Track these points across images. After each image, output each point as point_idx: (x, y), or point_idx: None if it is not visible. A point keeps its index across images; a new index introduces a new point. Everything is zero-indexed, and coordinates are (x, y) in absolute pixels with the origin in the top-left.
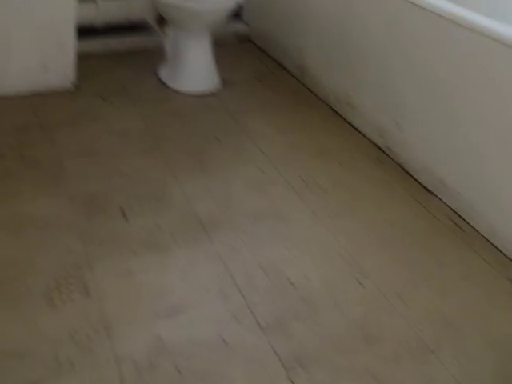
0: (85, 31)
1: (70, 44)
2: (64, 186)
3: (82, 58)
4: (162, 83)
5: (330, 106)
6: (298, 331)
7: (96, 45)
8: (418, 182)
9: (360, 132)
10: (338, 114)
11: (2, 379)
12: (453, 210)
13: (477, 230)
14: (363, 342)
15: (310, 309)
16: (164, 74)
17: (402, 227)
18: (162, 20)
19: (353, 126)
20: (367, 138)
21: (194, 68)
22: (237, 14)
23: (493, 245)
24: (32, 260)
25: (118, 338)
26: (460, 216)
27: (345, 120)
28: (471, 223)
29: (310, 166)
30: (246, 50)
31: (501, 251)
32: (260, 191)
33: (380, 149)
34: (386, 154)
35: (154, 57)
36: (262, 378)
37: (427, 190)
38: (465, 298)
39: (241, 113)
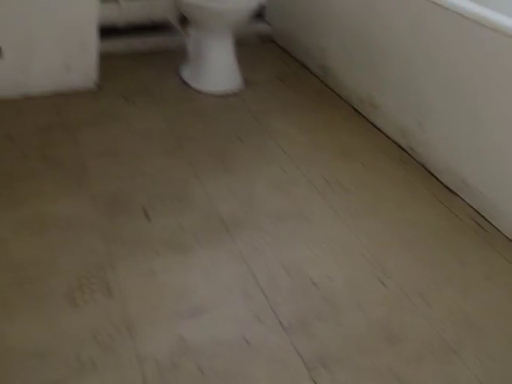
0: (107, 31)
1: (92, 44)
2: (86, 185)
3: (105, 58)
4: (185, 83)
5: (353, 106)
6: (321, 331)
7: (118, 45)
8: (441, 182)
9: (382, 132)
10: (360, 114)
11: (24, 379)
12: (475, 210)
13: (499, 230)
14: (385, 342)
15: (332, 309)
16: (186, 73)
17: (425, 227)
18: (184, 20)
19: (375, 126)
20: (390, 138)
21: (217, 68)
22: (259, 14)
23: None
24: (54, 260)
25: (140, 338)
26: (482, 216)
27: (367, 120)
28: (494, 223)
29: (332, 166)
30: (268, 50)
31: None
32: (282, 191)
33: (402, 149)
34: (409, 154)
35: (176, 57)
36: (284, 378)
37: (449, 189)
38: (487, 297)
39: (263, 113)
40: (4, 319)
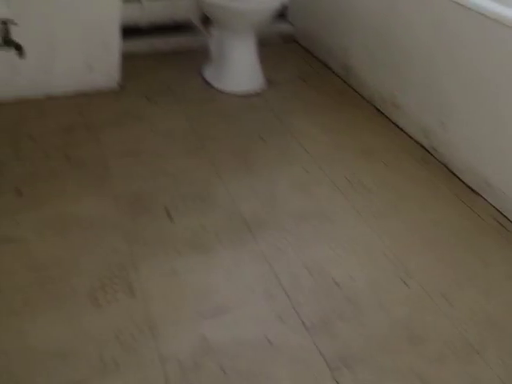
0: (130, 31)
1: (115, 44)
2: (109, 185)
3: (127, 58)
4: (207, 83)
5: (375, 106)
6: (343, 331)
7: (141, 45)
8: (463, 182)
9: (405, 132)
10: (382, 113)
11: (46, 379)
12: (497, 210)
13: None
14: (408, 342)
15: (354, 309)
16: (209, 73)
17: (447, 227)
18: (206, 20)
19: (398, 126)
20: (412, 137)
21: (239, 68)
22: (282, 14)
23: None
24: (77, 260)
25: (162, 338)
26: (505, 216)
27: (389, 120)
28: None
29: (354, 165)
30: (290, 49)
31: None
32: (305, 191)
33: (425, 149)
34: (431, 154)
35: (198, 57)
36: (306, 378)
37: (472, 189)
38: (510, 297)
39: (285, 113)
40: (27, 319)
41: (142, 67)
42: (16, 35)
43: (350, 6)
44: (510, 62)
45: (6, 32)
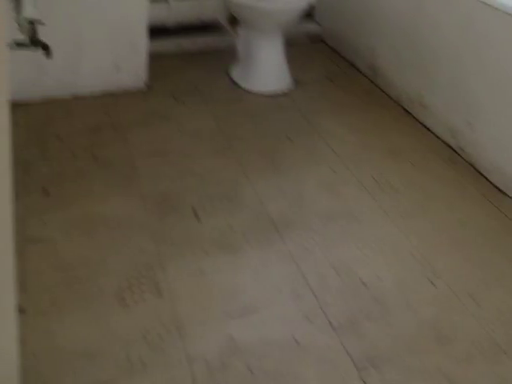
0: (157, 31)
1: (142, 44)
2: (136, 185)
3: (154, 58)
4: (234, 83)
5: (402, 106)
6: (370, 331)
7: (168, 45)
8: (490, 182)
9: (432, 132)
10: (409, 113)
11: (74, 379)
12: None
13: None
14: (435, 342)
15: (382, 309)
16: (236, 73)
17: (474, 227)
18: (233, 20)
19: (425, 126)
20: (439, 138)
21: (266, 68)
22: (309, 14)
23: None
24: (104, 260)
25: (190, 338)
26: None
27: (417, 120)
28: None
29: (382, 165)
30: (317, 49)
31: None
32: (332, 191)
33: (452, 149)
34: (458, 154)
35: (225, 57)
36: (334, 378)
37: (499, 189)
38: None
39: (313, 113)
40: (54, 319)
41: (169, 67)
42: (43, 35)
43: (378, 6)
44: None
45: (33, 32)
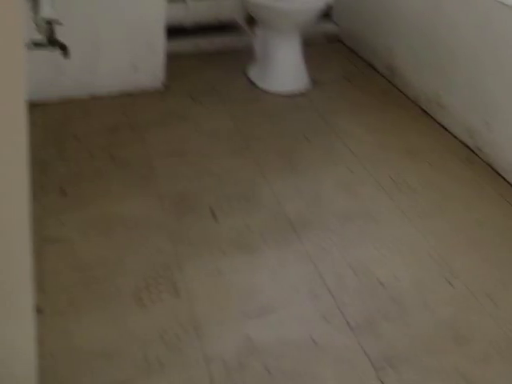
0: (174, 31)
1: (159, 44)
2: (154, 185)
3: (172, 58)
4: (252, 83)
5: (420, 106)
6: (388, 331)
7: (185, 45)
8: (508, 182)
9: (450, 132)
10: (427, 113)
11: (91, 379)
12: None
13: None
14: (453, 342)
15: (399, 309)
16: (253, 73)
17: (492, 227)
18: (251, 20)
19: (442, 126)
20: (457, 137)
21: (284, 68)
22: (326, 14)
23: None
24: (121, 260)
25: (207, 338)
26: None
27: (434, 120)
28: None
29: (399, 165)
30: (335, 49)
31: None
32: (349, 191)
33: (469, 149)
34: (476, 154)
35: (243, 57)
36: (351, 378)
37: None
38: None
39: (330, 113)
40: (72, 319)
41: (186, 67)
42: (61, 35)
43: (395, 6)
44: None
45: (51, 32)
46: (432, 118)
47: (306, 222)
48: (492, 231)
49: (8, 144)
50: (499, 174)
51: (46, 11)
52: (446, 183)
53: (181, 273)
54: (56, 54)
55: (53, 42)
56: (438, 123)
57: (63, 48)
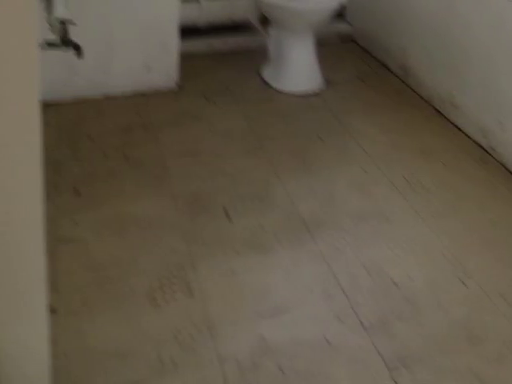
0: (188, 31)
1: (173, 44)
2: (167, 185)
3: (185, 58)
4: (265, 83)
5: (434, 106)
6: (401, 331)
7: (199, 45)
8: None
9: (463, 132)
10: (441, 113)
11: (105, 379)
12: None
13: None
14: (466, 342)
15: (413, 309)
16: (267, 73)
17: (505, 227)
18: (265, 20)
19: (456, 126)
20: (470, 138)
21: (297, 68)
22: (340, 14)
23: None
24: (135, 260)
25: (221, 338)
26: None
27: (448, 120)
28: None
29: (413, 165)
30: (348, 49)
31: None
32: (363, 191)
33: (483, 149)
34: (490, 154)
35: (256, 57)
36: (365, 378)
37: None
38: None
39: (344, 113)
40: (85, 319)
41: (200, 67)
42: (74, 35)
43: (409, 6)
44: None
45: (65, 32)
46: (445, 117)
47: (319, 221)
48: (506, 231)
49: (22, 144)
50: None
51: (60, 11)
52: (460, 183)
53: (194, 273)
54: (70, 54)
55: (66, 42)
56: (452, 123)
57: (77, 48)
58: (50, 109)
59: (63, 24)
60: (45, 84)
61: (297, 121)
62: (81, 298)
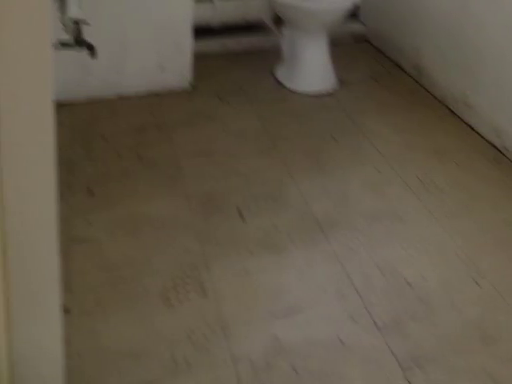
0: (202, 31)
1: (186, 44)
2: (181, 185)
3: (199, 58)
4: (279, 83)
5: (447, 106)
6: (415, 331)
7: (213, 45)
8: None
9: (477, 132)
10: (454, 113)
11: (118, 379)
12: None
13: None
14: (480, 342)
15: (426, 309)
16: (280, 73)
17: None
18: (278, 20)
19: (470, 126)
20: (484, 137)
21: (311, 68)
22: (353, 14)
23: None
24: (149, 260)
25: (234, 338)
26: None
27: (461, 120)
28: None
29: (426, 165)
30: (362, 49)
31: None
32: (377, 191)
33: (497, 149)
34: (503, 154)
35: (270, 57)
36: (378, 378)
37: None
38: None
39: (357, 113)
40: (99, 319)
41: (213, 67)
42: (88, 35)
43: (422, 6)
44: None
45: (78, 32)
46: (459, 117)
47: (333, 221)
48: None
49: (36, 144)
50: None
51: (74, 11)
52: (473, 183)
53: (208, 273)
54: (83, 54)
55: (80, 42)
56: (465, 123)
57: (90, 48)
58: (64, 109)
59: (77, 24)
60: (58, 84)
61: (310, 121)
62: (94, 298)
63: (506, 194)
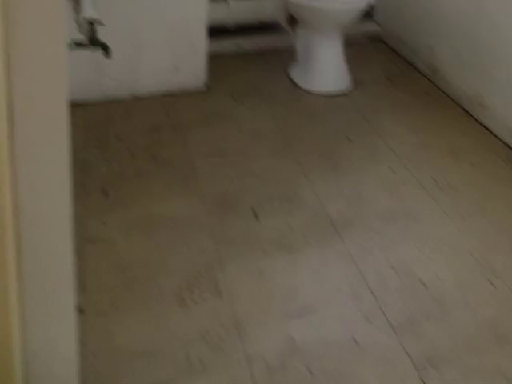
0: (216, 31)
1: (201, 44)
2: (195, 186)
3: (213, 58)
4: (293, 83)
5: (462, 106)
6: (430, 331)
7: (227, 45)
8: None
9: (491, 132)
10: (469, 113)
11: (132, 379)
12: None
13: None
14: (495, 342)
15: (441, 309)
16: (295, 74)
17: None
18: (292, 20)
19: (484, 126)
20: (498, 138)
21: (325, 68)
22: (368, 14)
23: None
24: (163, 260)
25: (249, 338)
26: None
27: (476, 120)
28: None
29: (441, 166)
30: (376, 49)
31: None
32: (391, 191)
33: (511, 149)
34: None
35: (284, 57)
36: (393, 378)
37: None
38: None
39: (372, 113)
40: (113, 319)
41: (228, 67)
42: (102, 35)
43: (437, 7)
44: None
45: (93, 32)
46: (473, 117)
47: (347, 221)
48: None
49: (50, 144)
50: None
51: (88, 11)
52: (488, 183)
53: (223, 273)
54: (98, 54)
55: (94, 42)
56: (480, 123)
57: (105, 48)
58: (78, 109)
59: (91, 24)
60: (73, 84)
61: (325, 121)
62: (109, 298)
63: None
